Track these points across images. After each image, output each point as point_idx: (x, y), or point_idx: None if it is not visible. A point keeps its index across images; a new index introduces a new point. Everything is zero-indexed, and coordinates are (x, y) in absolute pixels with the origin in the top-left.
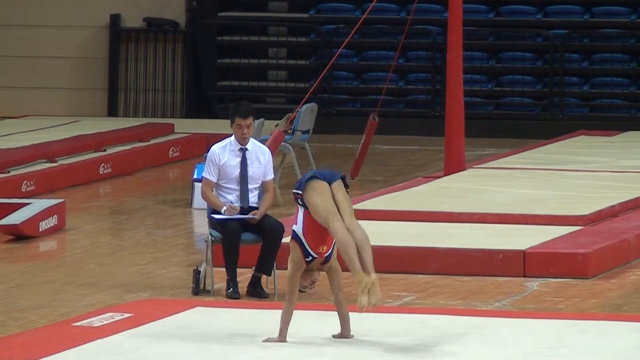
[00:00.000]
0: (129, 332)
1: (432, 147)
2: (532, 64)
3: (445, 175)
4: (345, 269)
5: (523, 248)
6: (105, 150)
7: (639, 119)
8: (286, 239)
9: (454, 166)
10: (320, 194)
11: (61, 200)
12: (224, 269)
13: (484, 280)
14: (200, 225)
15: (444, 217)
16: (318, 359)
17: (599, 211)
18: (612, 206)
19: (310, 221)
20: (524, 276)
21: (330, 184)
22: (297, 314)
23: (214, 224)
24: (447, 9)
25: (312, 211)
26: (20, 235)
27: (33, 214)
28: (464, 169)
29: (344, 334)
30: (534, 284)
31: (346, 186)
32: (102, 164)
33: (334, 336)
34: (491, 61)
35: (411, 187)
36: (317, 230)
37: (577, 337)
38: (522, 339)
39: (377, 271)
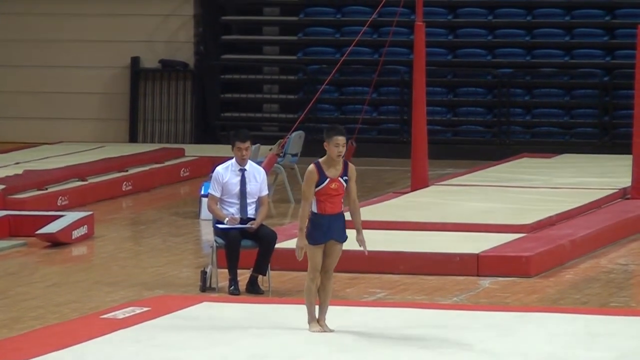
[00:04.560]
0: (147, 323)
1: (400, 168)
2: (483, 98)
3: (411, 191)
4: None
5: (477, 252)
6: (127, 171)
7: (572, 144)
8: (279, 245)
9: (419, 183)
10: (316, 251)
11: (90, 212)
12: (226, 270)
13: (444, 279)
14: (207, 233)
15: (410, 226)
16: (310, 346)
17: (540, 221)
18: (550, 217)
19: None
20: (478, 275)
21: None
22: (292, 308)
23: (218, 232)
24: (413, 52)
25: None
26: (56, 242)
27: (67, 224)
28: (428, 186)
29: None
30: (485, 282)
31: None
32: (125, 182)
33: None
34: (449, 95)
35: (383, 201)
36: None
37: (522, 326)
38: (476, 328)
39: (356, 271)
